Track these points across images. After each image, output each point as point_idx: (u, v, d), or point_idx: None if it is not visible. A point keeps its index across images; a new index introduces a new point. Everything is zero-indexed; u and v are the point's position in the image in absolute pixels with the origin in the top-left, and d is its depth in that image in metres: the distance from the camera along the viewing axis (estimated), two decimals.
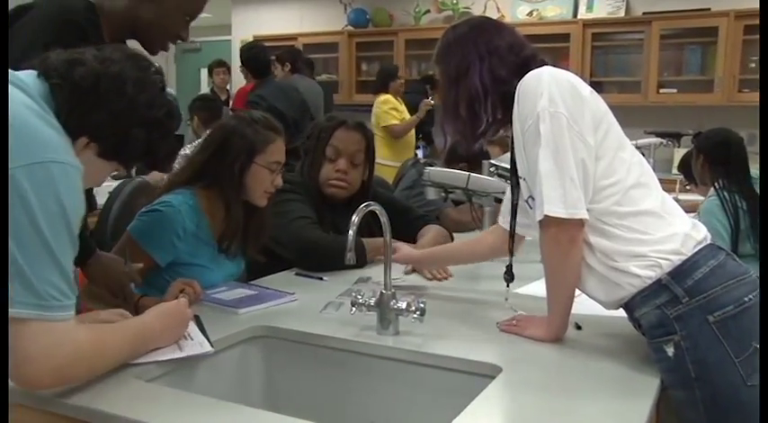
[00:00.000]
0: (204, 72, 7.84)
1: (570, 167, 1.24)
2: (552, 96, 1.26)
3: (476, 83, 1.37)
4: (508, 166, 1.44)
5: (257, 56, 4.51)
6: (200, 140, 2.34)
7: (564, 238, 1.27)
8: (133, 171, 3.29)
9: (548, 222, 1.27)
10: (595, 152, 1.28)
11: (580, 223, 1.26)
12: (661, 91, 5.30)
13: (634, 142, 1.41)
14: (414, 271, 1.96)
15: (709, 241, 1.28)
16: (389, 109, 5.19)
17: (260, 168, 1.80)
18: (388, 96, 5.24)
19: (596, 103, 1.32)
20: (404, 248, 1.86)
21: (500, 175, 2.19)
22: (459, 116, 1.40)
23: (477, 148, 1.53)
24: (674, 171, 4.12)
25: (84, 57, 1.11)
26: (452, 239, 2.27)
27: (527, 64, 1.35)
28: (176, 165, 2.01)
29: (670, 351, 1.20)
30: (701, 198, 2.95)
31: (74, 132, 1.08)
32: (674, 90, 5.29)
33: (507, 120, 1.38)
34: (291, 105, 4.22)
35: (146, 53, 1.20)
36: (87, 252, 1.61)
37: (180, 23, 1.56)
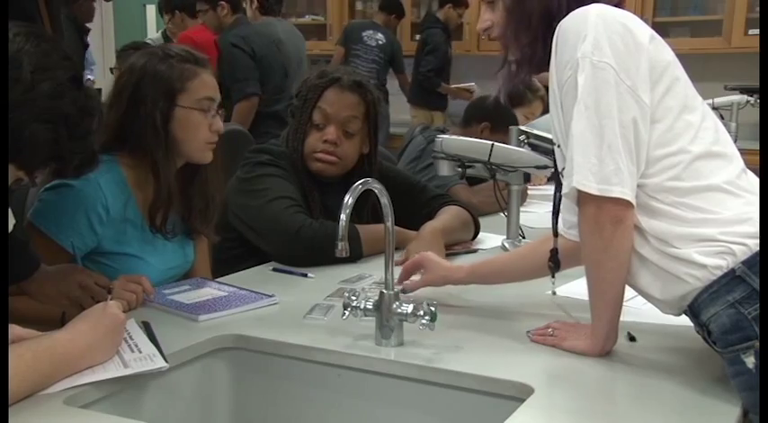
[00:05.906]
0: (151, 10, 7.57)
1: (611, 132, 1.24)
2: (598, 41, 1.26)
3: None
4: (541, 134, 1.42)
5: None
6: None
7: (606, 220, 1.26)
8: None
9: (584, 200, 1.27)
10: (651, 114, 1.27)
11: (626, 201, 1.25)
12: (750, 32, 5.09)
13: (710, 101, 1.36)
14: None
15: None
16: None
17: (187, 111, 1.75)
18: None
19: (658, 52, 1.31)
20: (430, 262, 1.68)
21: (531, 145, 2.18)
22: (524, 37, 1.37)
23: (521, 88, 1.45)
24: None
25: None
26: (476, 224, 2.26)
27: None
28: None
29: (750, 362, 1.18)
30: None
31: None
32: None
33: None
34: (276, 57, 4.15)
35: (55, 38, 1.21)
36: (31, 265, 1.56)
37: None
